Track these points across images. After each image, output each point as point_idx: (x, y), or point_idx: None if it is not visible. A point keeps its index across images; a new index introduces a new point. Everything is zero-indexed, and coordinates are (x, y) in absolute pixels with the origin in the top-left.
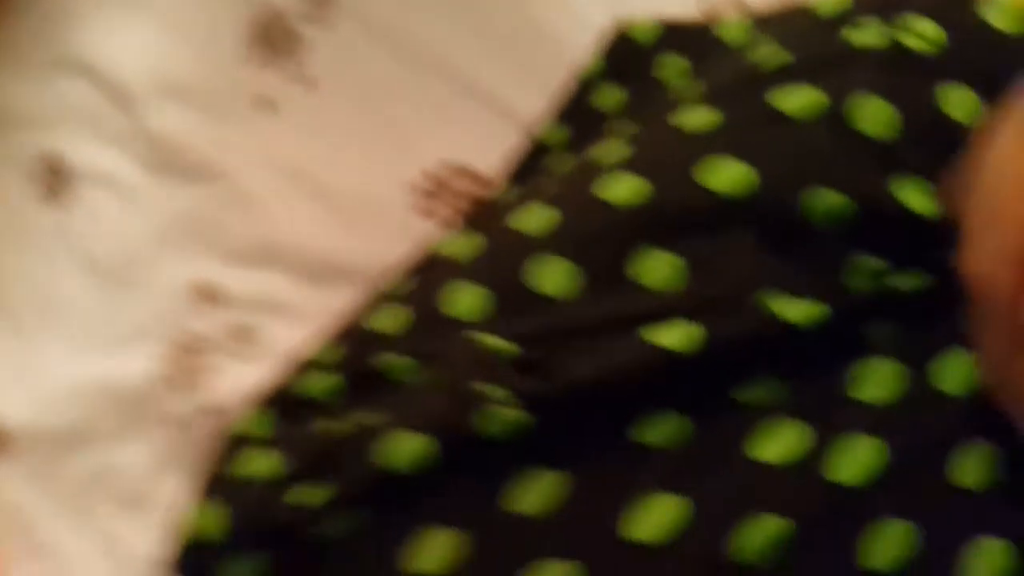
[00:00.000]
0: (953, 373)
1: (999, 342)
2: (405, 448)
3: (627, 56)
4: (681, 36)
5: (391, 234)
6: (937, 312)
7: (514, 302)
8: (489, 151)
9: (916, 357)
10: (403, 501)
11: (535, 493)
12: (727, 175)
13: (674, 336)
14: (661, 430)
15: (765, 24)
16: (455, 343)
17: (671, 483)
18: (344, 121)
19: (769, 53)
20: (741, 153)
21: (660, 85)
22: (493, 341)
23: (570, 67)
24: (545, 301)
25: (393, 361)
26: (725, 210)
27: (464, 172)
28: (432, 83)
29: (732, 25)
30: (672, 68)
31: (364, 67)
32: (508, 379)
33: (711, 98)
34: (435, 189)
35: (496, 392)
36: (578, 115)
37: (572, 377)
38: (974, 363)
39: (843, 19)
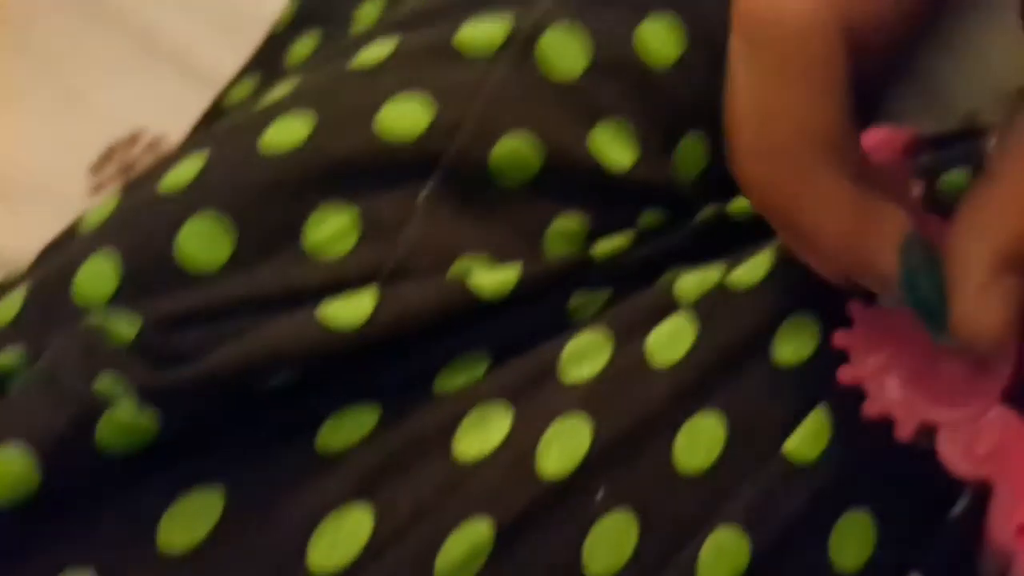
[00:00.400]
0: (667, 342)
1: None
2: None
3: (321, 2)
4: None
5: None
6: (646, 276)
7: (154, 276)
8: (180, 116)
9: (626, 327)
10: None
11: (187, 521)
12: (403, 117)
13: (348, 311)
14: (346, 428)
15: None
16: (72, 331)
17: (358, 493)
18: (8, 90)
19: None
20: (418, 91)
21: (353, 32)
22: (119, 326)
23: (271, 18)
24: (191, 273)
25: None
26: (402, 158)
27: (153, 141)
28: (114, 42)
29: None
30: (366, 13)
31: (35, 26)
32: (137, 374)
33: (390, 30)
34: (120, 164)
35: (119, 390)
36: (268, 66)
37: (219, 365)
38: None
39: None
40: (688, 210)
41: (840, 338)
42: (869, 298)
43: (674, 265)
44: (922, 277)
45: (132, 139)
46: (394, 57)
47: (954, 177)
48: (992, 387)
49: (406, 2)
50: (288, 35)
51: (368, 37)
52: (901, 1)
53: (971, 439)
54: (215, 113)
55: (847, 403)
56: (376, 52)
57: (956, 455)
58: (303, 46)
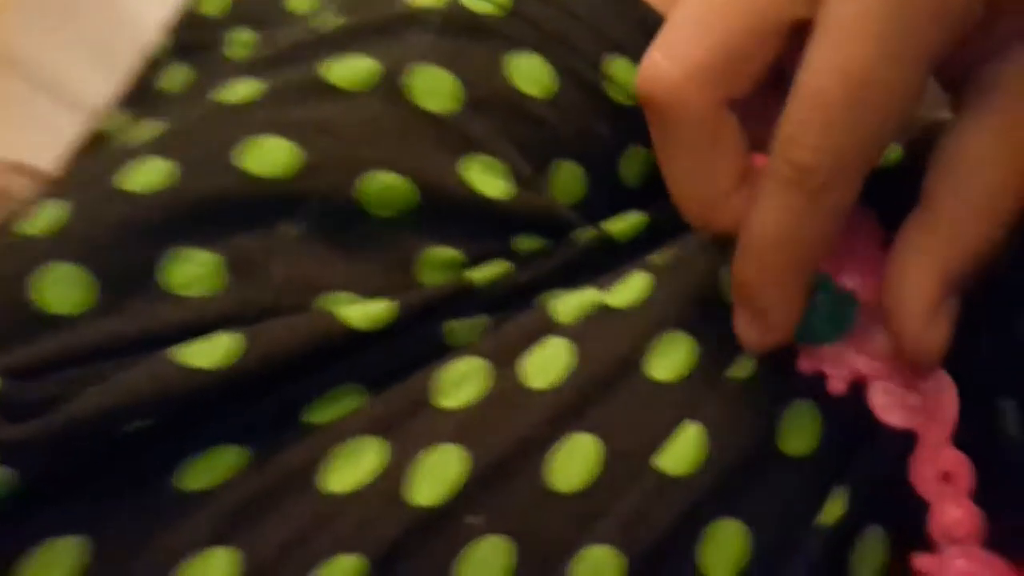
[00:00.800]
0: (544, 365)
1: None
2: None
3: (195, 31)
4: (251, 6)
5: None
6: (525, 300)
7: (11, 323)
8: (53, 146)
9: (503, 351)
10: None
11: (46, 573)
12: (269, 156)
13: (211, 353)
14: (211, 469)
15: None
16: None
17: (222, 534)
18: None
19: (328, 18)
20: (284, 130)
21: (226, 62)
22: None
23: (146, 47)
24: (51, 320)
25: None
26: (268, 198)
27: (23, 171)
28: None
29: None
30: (240, 43)
31: None
32: None
33: (257, 68)
34: None
35: None
36: (141, 100)
37: (77, 415)
38: (568, 353)
39: None
40: (568, 235)
41: None
42: None
43: (554, 287)
44: (823, 320)
45: (15, 169)
46: (262, 95)
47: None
48: None
49: (276, 37)
50: (162, 65)
51: (237, 72)
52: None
53: (899, 392)
54: (89, 144)
55: (721, 417)
56: (244, 90)
57: (885, 406)
58: (177, 76)
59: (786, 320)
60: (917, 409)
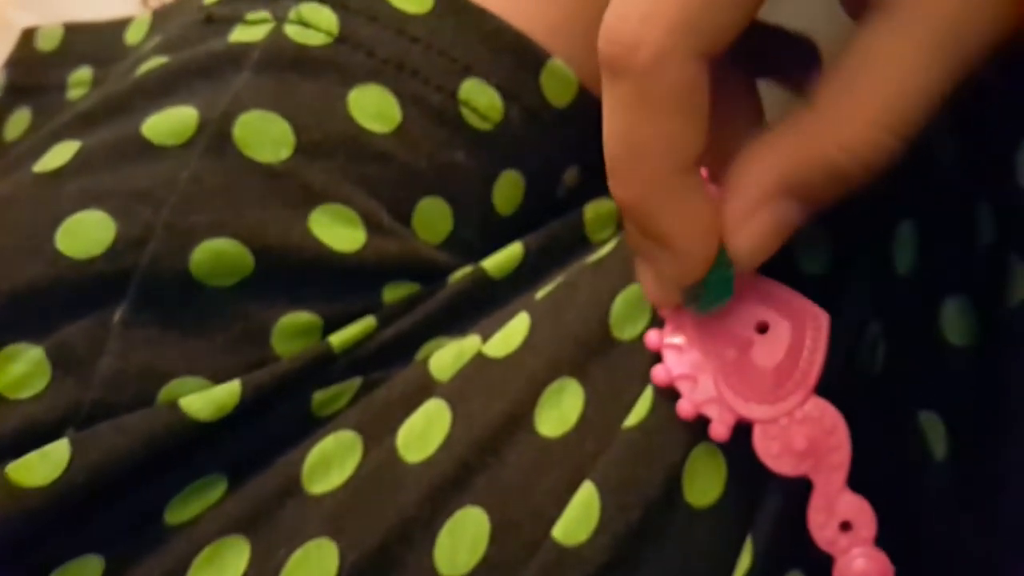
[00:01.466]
0: (420, 434)
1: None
2: None
3: (33, 70)
4: (88, 41)
5: None
6: (400, 356)
7: None
8: None
9: (375, 423)
10: None
11: None
12: (85, 234)
13: (39, 468)
14: None
15: (162, 18)
16: None
17: None
18: None
19: (150, 56)
20: (100, 202)
21: (66, 105)
22: None
23: None
24: None
25: None
26: (89, 281)
27: None
28: None
29: (138, 23)
30: (79, 83)
31: None
32: None
33: (75, 126)
34: None
35: None
36: None
37: None
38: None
39: (230, 10)
40: (440, 275)
41: (652, 339)
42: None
43: (430, 336)
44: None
45: None
46: (77, 159)
47: None
48: (802, 380)
49: (106, 83)
50: (6, 109)
51: (59, 133)
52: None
53: (788, 435)
54: None
55: (619, 474)
56: (61, 155)
57: (772, 453)
58: (19, 123)
59: (691, 239)
60: (805, 452)
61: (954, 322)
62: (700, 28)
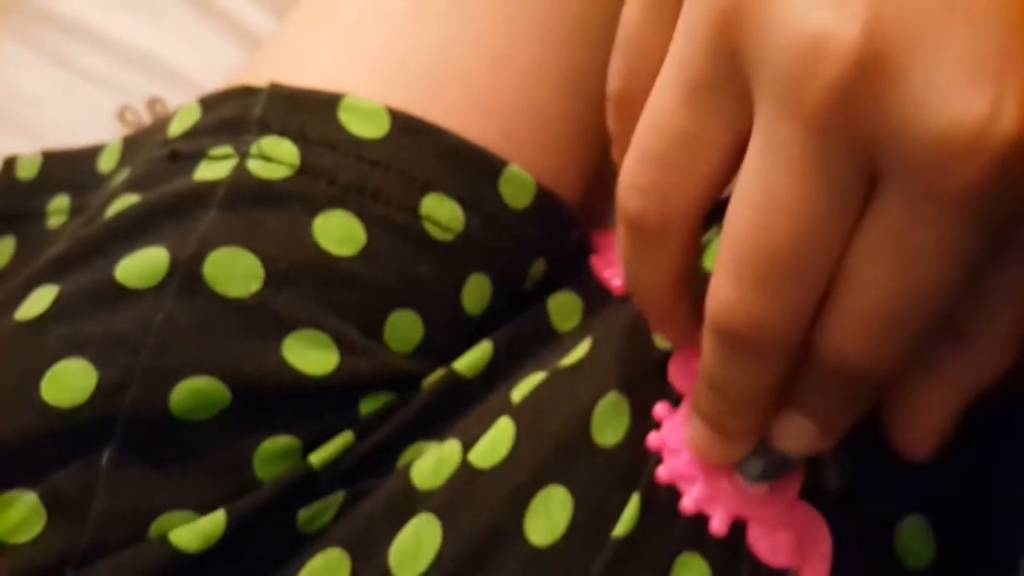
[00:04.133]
0: (411, 551)
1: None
2: None
3: (13, 198)
4: (64, 169)
5: None
6: (380, 466)
7: None
8: None
9: (363, 540)
10: None
11: None
12: (68, 383)
13: None
14: None
15: (131, 147)
16: None
17: None
18: None
19: (121, 195)
20: (80, 350)
21: (46, 234)
22: None
23: None
24: None
25: None
26: (76, 428)
27: None
28: None
29: (110, 151)
30: (58, 211)
31: None
32: None
33: (52, 270)
34: None
35: None
36: None
37: None
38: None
39: (194, 144)
40: (413, 382)
41: (653, 440)
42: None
43: (409, 443)
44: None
45: None
46: (56, 306)
47: None
48: (791, 484)
49: (79, 219)
50: None
51: (36, 278)
52: None
53: (778, 533)
54: None
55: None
56: (41, 301)
57: (766, 548)
58: (2, 252)
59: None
60: (794, 548)
61: None
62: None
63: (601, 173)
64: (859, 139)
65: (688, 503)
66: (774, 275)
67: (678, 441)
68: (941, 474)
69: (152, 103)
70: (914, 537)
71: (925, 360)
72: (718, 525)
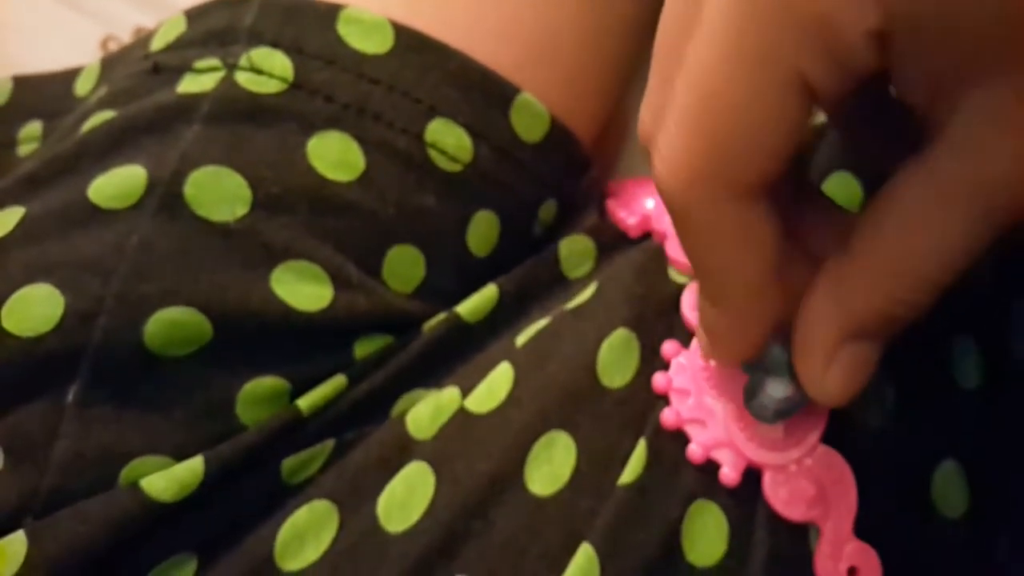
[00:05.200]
0: (402, 502)
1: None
2: None
3: None
4: (37, 95)
5: None
6: (373, 413)
7: None
8: None
9: (352, 491)
10: None
11: None
12: (31, 312)
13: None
14: None
15: (110, 67)
16: None
17: None
18: None
19: (97, 111)
20: (46, 275)
21: (14, 162)
22: None
23: None
24: None
25: None
26: (39, 360)
27: None
28: None
29: (87, 72)
30: (27, 137)
31: None
32: None
33: (20, 190)
34: None
35: None
36: None
37: None
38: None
39: (178, 57)
40: (413, 325)
41: (659, 382)
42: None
43: (405, 390)
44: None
45: None
46: (21, 228)
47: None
48: (812, 427)
49: (51, 140)
50: None
51: (1, 199)
52: None
53: (797, 482)
54: None
55: (616, 533)
56: (3, 222)
57: (783, 499)
58: None
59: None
60: (815, 499)
61: (965, 367)
62: (725, 177)
63: (616, 117)
64: None
65: (695, 450)
66: (658, 79)
67: (687, 381)
68: (975, 421)
69: (138, 32)
70: (949, 484)
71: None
72: (728, 474)
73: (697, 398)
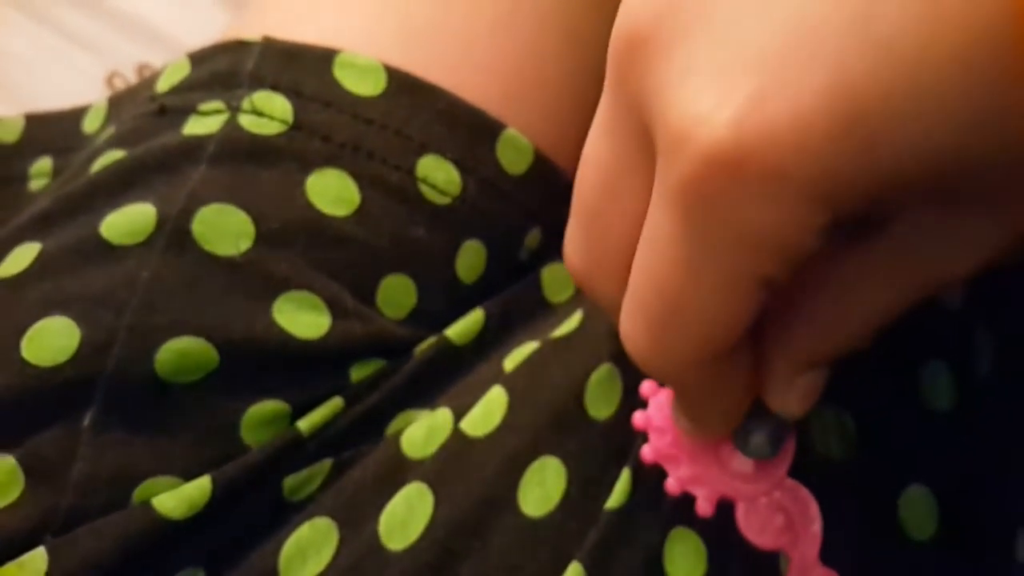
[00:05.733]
0: (402, 520)
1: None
2: None
3: None
4: (47, 131)
5: None
6: (368, 433)
7: None
8: None
9: (352, 509)
10: None
11: None
12: (50, 342)
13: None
14: None
15: (117, 106)
16: None
17: None
18: None
19: (106, 150)
20: (63, 308)
21: (27, 197)
22: None
23: None
24: None
25: None
26: (57, 388)
27: None
28: None
29: (95, 111)
30: (40, 173)
31: None
32: None
33: (34, 227)
34: None
35: None
36: None
37: None
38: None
39: (184, 99)
40: (405, 349)
41: (638, 420)
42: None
43: (399, 411)
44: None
45: None
46: (38, 263)
47: None
48: (780, 462)
49: (62, 178)
50: None
51: (17, 236)
52: None
53: (767, 513)
54: None
55: (603, 555)
56: (22, 259)
57: (754, 528)
58: None
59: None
60: (783, 528)
61: (934, 390)
62: (686, 355)
63: None
64: (635, 105)
65: (672, 484)
66: (582, 220)
67: (664, 420)
68: (945, 443)
69: (141, 69)
70: (917, 508)
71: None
72: (703, 506)
73: (674, 435)
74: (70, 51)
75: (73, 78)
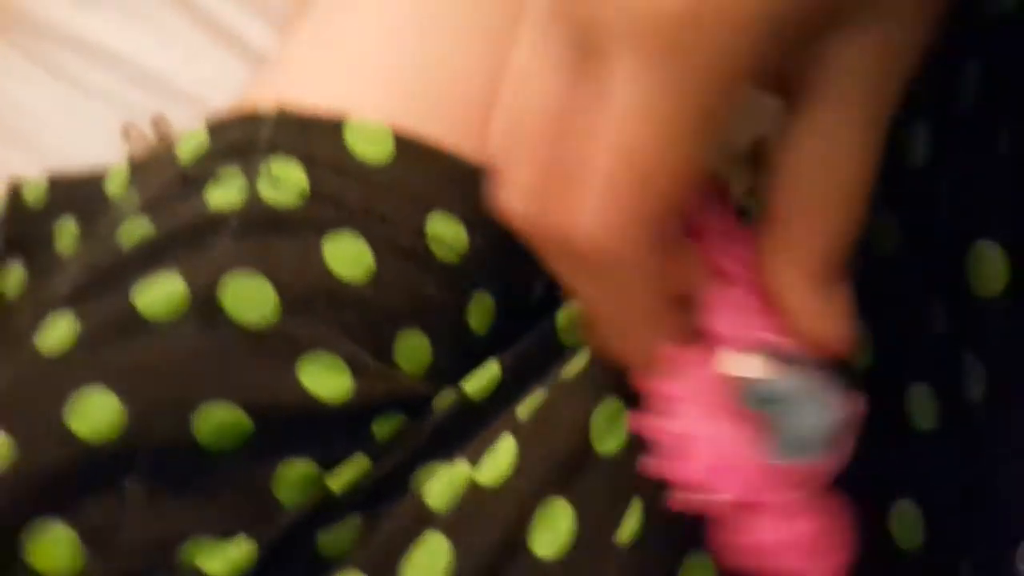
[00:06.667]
0: (424, 569)
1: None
2: None
3: (22, 224)
4: (71, 194)
5: None
6: (394, 489)
7: None
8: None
9: (379, 561)
10: None
11: None
12: (95, 415)
13: None
14: None
15: (138, 173)
16: None
17: None
18: None
19: (133, 220)
20: (106, 379)
21: (59, 261)
22: None
23: None
24: None
25: None
26: (104, 458)
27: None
28: None
29: (116, 174)
30: (67, 234)
31: None
32: None
33: (71, 298)
34: None
35: None
36: None
37: None
38: None
39: (204, 168)
40: (425, 404)
41: (634, 423)
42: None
43: (421, 465)
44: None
45: None
46: (78, 339)
47: None
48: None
49: (92, 243)
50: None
51: (54, 306)
52: None
53: (789, 527)
54: None
55: None
56: (61, 332)
57: (775, 539)
58: (12, 278)
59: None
60: (805, 550)
61: (920, 411)
62: (656, 223)
63: None
64: (583, 24)
65: (687, 509)
66: (540, 167)
67: (692, 389)
68: (932, 459)
69: (156, 121)
70: (906, 521)
71: None
72: (719, 531)
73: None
74: (86, 102)
75: (87, 129)
